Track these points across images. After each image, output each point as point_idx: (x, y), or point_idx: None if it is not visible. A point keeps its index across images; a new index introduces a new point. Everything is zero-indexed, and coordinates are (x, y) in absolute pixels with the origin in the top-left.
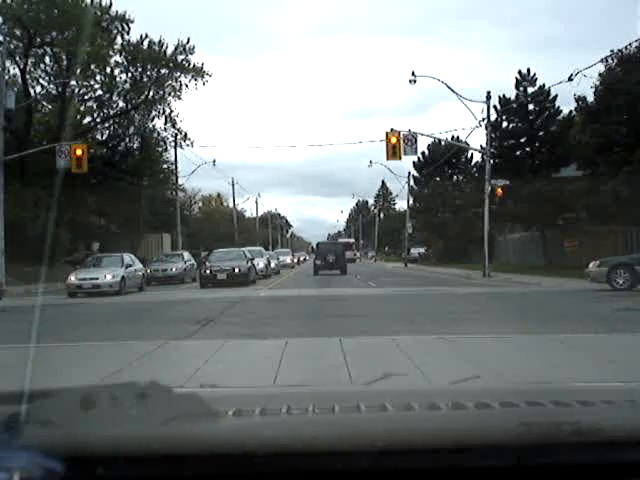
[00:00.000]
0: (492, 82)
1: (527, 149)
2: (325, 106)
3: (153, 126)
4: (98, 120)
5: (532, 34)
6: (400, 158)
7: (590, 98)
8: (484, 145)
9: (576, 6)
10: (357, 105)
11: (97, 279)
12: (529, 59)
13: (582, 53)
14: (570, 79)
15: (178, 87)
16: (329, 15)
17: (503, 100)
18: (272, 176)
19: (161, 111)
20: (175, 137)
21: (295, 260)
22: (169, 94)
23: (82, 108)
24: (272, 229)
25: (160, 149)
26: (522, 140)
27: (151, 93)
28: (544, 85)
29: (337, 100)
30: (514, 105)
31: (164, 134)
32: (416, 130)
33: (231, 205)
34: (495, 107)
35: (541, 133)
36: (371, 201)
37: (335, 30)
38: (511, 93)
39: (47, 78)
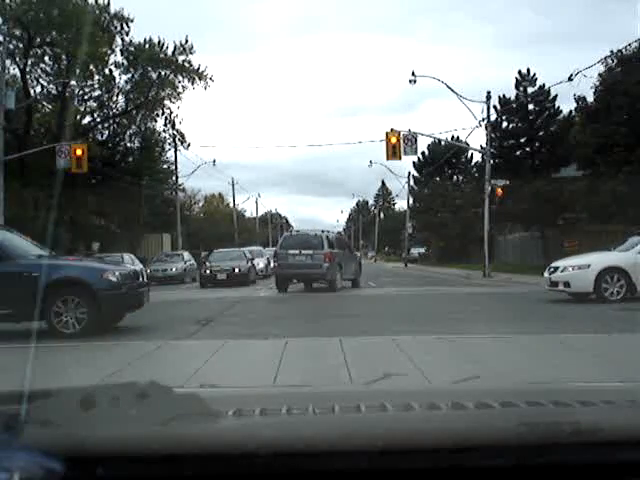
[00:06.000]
0: (481, 78)
1: (527, 149)
2: (310, 104)
3: (153, 127)
4: (98, 120)
5: (518, 30)
6: (400, 158)
7: (590, 98)
8: (484, 145)
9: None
10: (344, 103)
11: None
12: (522, 55)
13: (574, 48)
14: (570, 79)
15: (178, 89)
16: (314, 13)
17: (503, 100)
18: (264, 176)
19: (161, 112)
20: (174, 138)
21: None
22: (169, 94)
23: (82, 108)
24: (272, 229)
25: (159, 149)
26: (522, 140)
27: (151, 94)
28: (544, 85)
29: (324, 98)
30: (514, 105)
31: (163, 135)
32: (406, 128)
33: (231, 205)
34: (495, 107)
35: (541, 133)
36: (371, 201)
37: (317, 28)
38: (505, 91)
39: (47, 78)
